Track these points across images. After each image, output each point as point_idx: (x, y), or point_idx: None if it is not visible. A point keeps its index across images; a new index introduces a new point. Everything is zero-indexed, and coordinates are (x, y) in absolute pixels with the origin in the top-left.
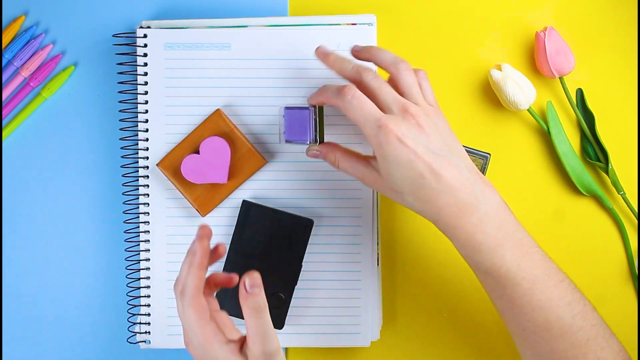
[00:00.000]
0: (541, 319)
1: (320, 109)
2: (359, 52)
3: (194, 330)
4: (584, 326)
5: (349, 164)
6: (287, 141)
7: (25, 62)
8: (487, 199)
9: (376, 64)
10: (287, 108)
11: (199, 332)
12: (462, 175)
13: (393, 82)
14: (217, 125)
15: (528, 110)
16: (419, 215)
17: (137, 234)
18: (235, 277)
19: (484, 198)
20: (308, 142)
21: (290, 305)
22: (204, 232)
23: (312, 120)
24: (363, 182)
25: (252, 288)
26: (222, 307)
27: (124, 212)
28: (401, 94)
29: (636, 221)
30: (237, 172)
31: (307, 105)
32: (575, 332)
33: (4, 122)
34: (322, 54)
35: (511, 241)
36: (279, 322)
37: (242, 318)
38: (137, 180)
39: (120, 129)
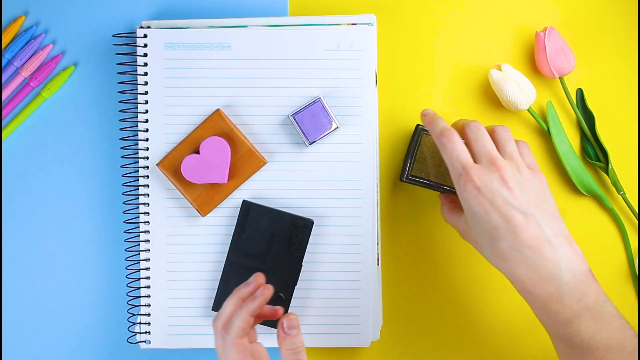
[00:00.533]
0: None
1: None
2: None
3: None
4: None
5: (449, 213)
6: (311, 143)
7: (25, 62)
8: (570, 267)
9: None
10: (294, 115)
11: None
12: (543, 236)
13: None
14: (217, 125)
15: (528, 110)
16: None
17: (137, 234)
18: (280, 310)
19: (566, 266)
20: (330, 130)
21: (290, 305)
22: (263, 280)
23: (324, 108)
24: (457, 230)
25: (290, 330)
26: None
27: (124, 212)
28: (497, 147)
29: (636, 221)
30: (237, 172)
31: (310, 101)
32: (609, 348)
33: (4, 122)
34: (428, 120)
35: (589, 312)
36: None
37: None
38: (137, 180)
39: (120, 129)
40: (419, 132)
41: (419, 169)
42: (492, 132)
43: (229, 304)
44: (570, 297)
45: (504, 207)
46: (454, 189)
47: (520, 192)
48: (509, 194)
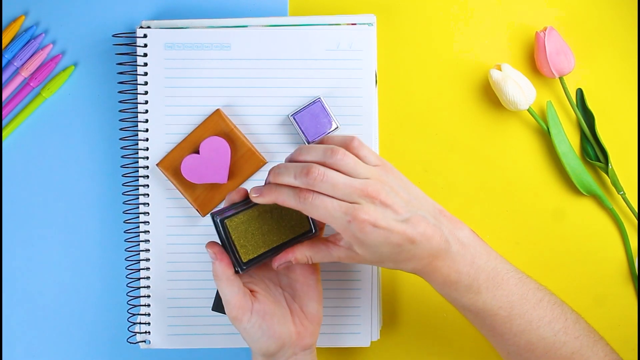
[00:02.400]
0: (523, 341)
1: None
2: (277, 179)
3: None
4: (567, 341)
5: (322, 254)
6: (311, 143)
7: (25, 62)
8: (455, 237)
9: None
10: (294, 115)
11: None
12: (429, 226)
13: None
14: (217, 125)
15: (528, 110)
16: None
17: (137, 234)
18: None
19: (452, 238)
20: (330, 130)
21: None
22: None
23: (324, 108)
24: (340, 261)
25: (256, 193)
26: (222, 308)
27: (124, 212)
28: (348, 174)
29: (636, 221)
30: (237, 172)
31: (310, 101)
32: (559, 348)
33: (4, 122)
34: (259, 193)
35: (484, 273)
36: None
37: None
38: (137, 180)
39: (120, 129)
40: (219, 222)
41: (247, 252)
42: (326, 162)
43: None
44: (464, 263)
45: (398, 226)
46: (296, 238)
47: (399, 202)
48: (393, 212)
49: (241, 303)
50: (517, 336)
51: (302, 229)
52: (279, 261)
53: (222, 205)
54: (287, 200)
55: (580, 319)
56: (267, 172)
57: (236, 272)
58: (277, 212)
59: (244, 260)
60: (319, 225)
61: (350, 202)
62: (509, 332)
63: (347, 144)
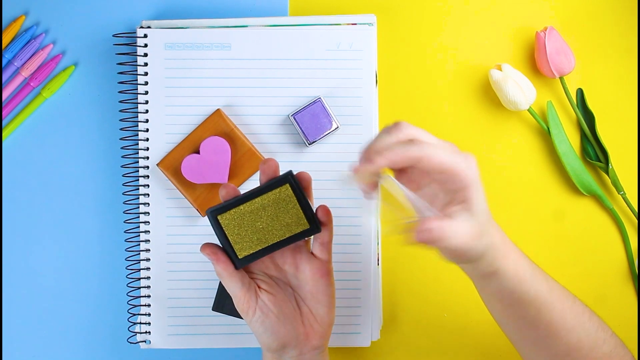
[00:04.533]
0: (574, 339)
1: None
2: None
3: None
4: (606, 338)
5: (441, 234)
6: (311, 143)
7: (25, 62)
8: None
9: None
10: (294, 115)
11: None
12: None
13: None
14: (217, 125)
15: (528, 110)
16: (475, 266)
17: (137, 234)
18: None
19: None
20: (330, 130)
21: None
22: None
23: (324, 108)
24: (456, 247)
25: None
26: (222, 308)
27: (124, 212)
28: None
29: (636, 221)
30: (237, 172)
31: (310, 101)
32: (600, 346)
33: (4, 122)
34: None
35: (531, 265)
36: None
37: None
38: (137, 180)
39: (121, 129)
40: (210, 215)
41: (242, 248)
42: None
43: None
44: (517, 251)
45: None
46: (295, 237)
47: None
48: None
49: (246, 297)
50: (570, 332)
51: (299, 227)
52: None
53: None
54: (400, 152)
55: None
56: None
57: (235, 268)
58: (271, 209)
59: (240, 257)
60: (324, 225)
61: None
62: (564, 329)
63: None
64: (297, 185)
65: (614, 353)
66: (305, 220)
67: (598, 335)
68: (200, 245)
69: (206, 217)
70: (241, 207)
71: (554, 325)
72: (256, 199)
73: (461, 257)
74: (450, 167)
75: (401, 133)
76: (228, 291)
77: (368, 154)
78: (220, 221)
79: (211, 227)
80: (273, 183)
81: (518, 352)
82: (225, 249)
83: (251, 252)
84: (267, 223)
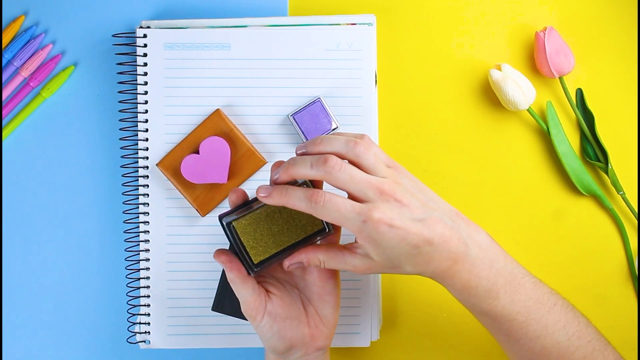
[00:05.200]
0: (538, 347)
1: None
2: (291, 171)
3: None
4: (580, 345)
5: (336, 261)
6: None
7: (25, 62)
8: (474, 241)
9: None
10: (294, 115)
11: None
12: (447, 228)
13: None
14: (217, 125)
15: (528, 110)
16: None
17: (137, 234)
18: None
19: (471, 241)
20: (330, 130)
21: None
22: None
23: (324, 108)
24: (355, 272)
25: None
26: (222, 308)
27: (124, 212)
28: (366, 172)
29: (636, 221)
30: (237, 172)
31: (310, 101)
32: (572, 353)
33: (4, 122)
34: (277, 175)
35: (503, 277)
36: None
37: (243, 318)
38: (137, 180)
39: (120, 129)
40: (226, 225)
41: (258, 253)
42: (345, 155)
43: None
44: (483, 267)
45: (414, 226)
46: (309, 237)
47: (413, 202)
48: (409, 211)
49: (256, 303)
50: (532, 341)
51: (314, 227)
52: (290, 261)
53: (229, 207)
54: (297, 203)
55: (590, 323)
56: (271, 169)
57: (248, 274)
58: (286, 212)
59: (255, 262)
60: (334, 225)
61: (364, 201)
62: (525, 337)
63: (361, 139)
64: (312, 186)
65: (588, 358)
66: (319, 221)
67: (570, 342)
68: (214, 252)
69: (206, 217)
70: (257, 212)
71: (514, 334)
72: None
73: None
74: (346, 227)
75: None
76: (238, 296)
77: (277, 167)
78: (236, 228)
79: (223, 231)
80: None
81: None
82: (240, 255)
83: (266, 256)
84: (283, 226)
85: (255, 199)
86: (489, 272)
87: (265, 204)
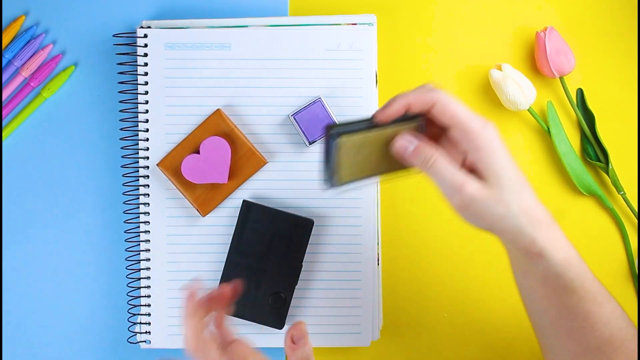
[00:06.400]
0: (607, 333)
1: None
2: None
3: None
4: (635, 334)
5: (448, 166)
6: (311, 143)
7: (25, 62)
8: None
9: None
10: (294, 115)
11: None
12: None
13: None
14: (217, 125)
15: (528, 110)
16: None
17: (137, 234)
18: (226, 288)
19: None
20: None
21: (291, 305)
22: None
23: (324, 108)
24: (462, 196)
25: (300, 340)
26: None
27: (124, 212)
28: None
29: (636, 221)
30: (238, 172)
31: (310, 101)
32: (630, 341)
33: (4, 122)
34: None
35: (579, 256)
36: (279, 322)
37: (242, 318)
38: (137, 180)
39: (120, 129)
40: (333, 138)
41: (347, 174)
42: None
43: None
44: (567, 241)
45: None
46: (394, 173)
47: None
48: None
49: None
50: (605, 326)
51: (400, 167)
52: (403, 141)
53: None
54: (419, 93)
55: None
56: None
57: (327, 187)
58: (388, 145)
59: (342, 180)
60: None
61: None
62: (600, 322)
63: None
64: (423, 129)
65: (633, 348)
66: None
67: (628, 331)
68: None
69: (206, 217)
70: (368, 133)
71: (591, 317)
72: (386, 129)
73: (475, 217)
74: (462, 121)
75: (428, 87)
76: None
77: (389, 101)
78: (340, 143)
79: (324, 139)
80: (406, 118)
81: (543, 345)
82: (326, 168)
83: (352, 179)
84: (380, 155)
85: (367, 119)
86: (571, 246)
87: (377, 128)
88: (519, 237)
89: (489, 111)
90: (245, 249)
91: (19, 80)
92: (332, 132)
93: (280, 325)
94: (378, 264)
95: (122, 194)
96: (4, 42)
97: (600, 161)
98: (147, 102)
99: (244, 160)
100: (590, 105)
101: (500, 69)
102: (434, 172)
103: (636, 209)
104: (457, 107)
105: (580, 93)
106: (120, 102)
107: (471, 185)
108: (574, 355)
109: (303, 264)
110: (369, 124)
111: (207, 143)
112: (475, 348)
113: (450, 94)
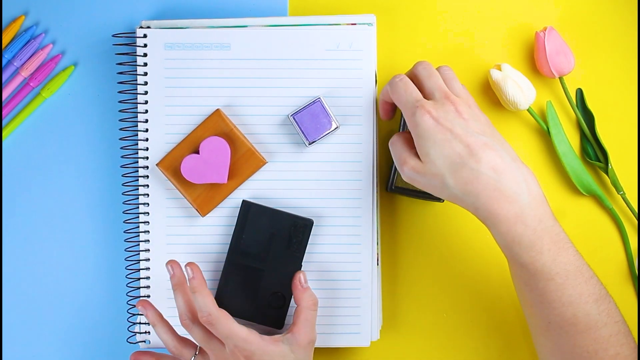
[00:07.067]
0: (569, 314)
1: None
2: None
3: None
4: (608, 322)
5: (401, 144)
6: (310, 143)
7: (25, 62)
8: (530, 188)
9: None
10: (294, 115)
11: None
12: (504, 161)
13: None
14: (217, 125)
15: (528, 110)
16: (460, 206)
17: (137, 234)
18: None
19: (527, 187)
20: (330, 130)
21: (290, 305)
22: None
23: (324, 108)
24: (403, 165)
25: (306, 283)
26: (221, 306)
27: (124, 212)
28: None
29: (636, 221)
30: (237, 172)
31: (310, 101)
32: (600, 328)
33: (4, 122)
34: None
35: (549, 236)
36: (279, 321)
37: (242, 318)
38: (137, 180)
39: (120, 129)
40: None
41: (401, 180)
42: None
43: (178, 299)
44: (532, 218)
45: (464, 135)
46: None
47: (474, 123)
48: (465, 123)
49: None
50: (565, 306)
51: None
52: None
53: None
54: (387, 87)
55: (618, 308)
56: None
57: (387, 190)
58: None
59: (396, 185)
60: None
61: (430, 98)
62: (559, 301)
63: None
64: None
65: (613, 339)
66: None
67: (600, 317)
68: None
69: (206, 217)
70: None
71: (548, 295)
72: None
73: (425, 188)
74: (401, 108)
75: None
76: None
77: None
78: None
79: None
80: None
81: (527, 320)
82: (391, 172)
83: (406, 186)
84: None
85: None
86: (537, 225)
87: None
88: (466, 207)
89: (489, 111)
90: (244, 249)
91: (18, 80)
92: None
93: (280, 325)
94: (378, 264)
95: (122, 194)
96: (4, 42)
97: (599, 161)
98: (146, 102)
99: (244, 160)
100: (590, 105)
101: (499, 68)
102: (391, 150)
103: (636, 209)
104: (395, 96)
105: (580, 93)
106: (120, 102)
107: (409, 163)
108: (540, 330)
109: (303, 264)
110: None
111: (207, 143)
112: (475, 348)
113: (395, 81)
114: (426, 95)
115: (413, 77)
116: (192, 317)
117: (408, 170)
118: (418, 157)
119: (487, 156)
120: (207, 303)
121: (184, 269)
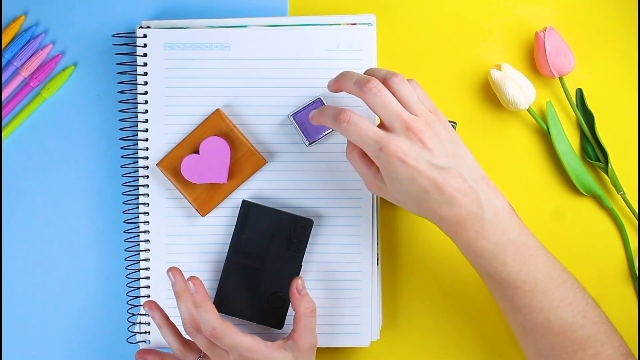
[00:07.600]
0: (541, 318)
1: None
2: (339, 83)
3: None
4: (584, 324)
5: (360, 163)
6: (311, 143)
7: (25, 62)
8: (491, 205)
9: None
10: (293, 115)
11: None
12: (465, 185)
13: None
14: (216, 125)
15: (528, 110)
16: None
17: (137, 234)
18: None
19: (488, 205)
20: (330, 130)
21: (290, 306)
22: (180, 273)
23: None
24: (368, 185)
25: (304, 290)
26: (221, 308)
27: (124, 212)
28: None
29: (636, 221)
30: (237, 172)
31: (310, 101)
32: (575, 330)
33: (4, 122)
34: (330, 83)
35: (514, 246)
36: (279, 322)
37: (242, 318)
38: (137, 180)
39: (120, 129)
40: None
41: None
42: (387, 87)
43: (181, 308)
44: (494, 232)
45: (429, 170)
46: None
47: (438, 149)
48: (430, 156)
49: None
50: (535, 312)
51: None
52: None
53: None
54: (327, 120)
55: (598, 306)
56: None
57: None
58: None
59: None
60: None
61: (390, 131)
62: (528, 307)
63: (409, 80)
64: None
65: (592, 339)
66: None
67: (575, 320)
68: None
69: (206, 217)
70: None
71: (516, 302)
72: None
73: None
74: (361, 144)
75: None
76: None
77: (332, 80)
78: None
79: None
80: None
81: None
82: None
83: None
84: None
85: None
86: (499, 238)
87: None
88: (431, 220)
89: (489, 111)
90: (244, 249)
91: (18, 80)
92: None
93: (280, 325)
94: (378, 264)
95: (122, 194)
96: (4, 42)
97: (599, 161)
98: (146, 102)
99: (244, 160)
100: (590, 105)
101: (499, 68)
102: (351, 164)
103: (636, 209)
104: (354, 136)
105: (580, 93)
106: (120, 102)
107: (373, 185)
108: (518, 334)
109: (303, 264)
110: None
111: (207, 143)
112: (475, 348)
113: (353, 119)
114: (385, 128)
115: (359, 98)
116: (196, 326)
117: (373, 190)
118: (380, 176)
119: (450, 187)
120: (210, 318)
121: (184, 273)
